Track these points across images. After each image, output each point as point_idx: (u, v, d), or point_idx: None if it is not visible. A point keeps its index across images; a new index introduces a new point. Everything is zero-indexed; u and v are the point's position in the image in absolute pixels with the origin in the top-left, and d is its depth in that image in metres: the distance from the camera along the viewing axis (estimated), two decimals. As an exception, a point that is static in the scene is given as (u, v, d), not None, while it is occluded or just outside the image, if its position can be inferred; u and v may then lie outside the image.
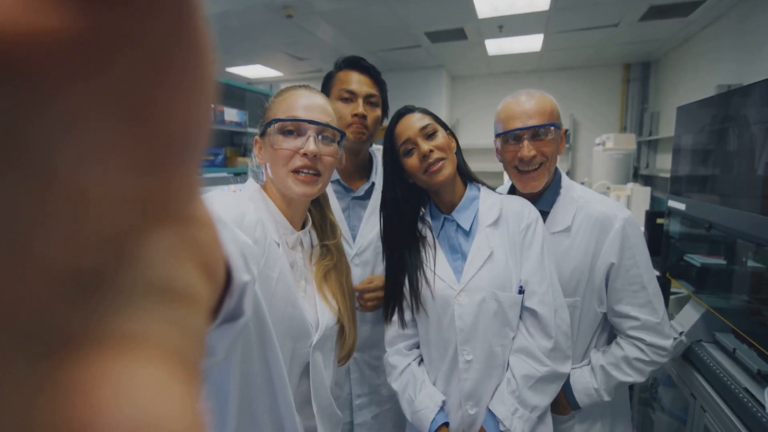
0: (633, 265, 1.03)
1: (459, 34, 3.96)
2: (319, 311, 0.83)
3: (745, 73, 2.95)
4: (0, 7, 0.07)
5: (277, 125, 0.77)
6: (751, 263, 1.65)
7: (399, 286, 1.04)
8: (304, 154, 0.76)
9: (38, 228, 0.09)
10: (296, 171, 0.77)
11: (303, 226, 0.87)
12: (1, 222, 0.08)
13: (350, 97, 1.16)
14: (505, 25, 3.68)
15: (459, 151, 1.04)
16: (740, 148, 1.46)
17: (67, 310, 0.09)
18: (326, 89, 1.21)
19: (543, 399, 0.94)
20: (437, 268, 1.00)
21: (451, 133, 1.03)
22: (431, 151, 0.95)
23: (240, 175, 2.52)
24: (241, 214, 0.68)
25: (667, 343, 1.04)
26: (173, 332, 0.11)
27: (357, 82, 1.17)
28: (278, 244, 0.78)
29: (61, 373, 0.09)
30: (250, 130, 2.55)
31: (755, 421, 1.11)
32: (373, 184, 1.24)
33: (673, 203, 1.81)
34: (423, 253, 1.03)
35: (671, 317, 1.67)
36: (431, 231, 1.05)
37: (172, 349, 0.11)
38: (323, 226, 0.91)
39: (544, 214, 1.09)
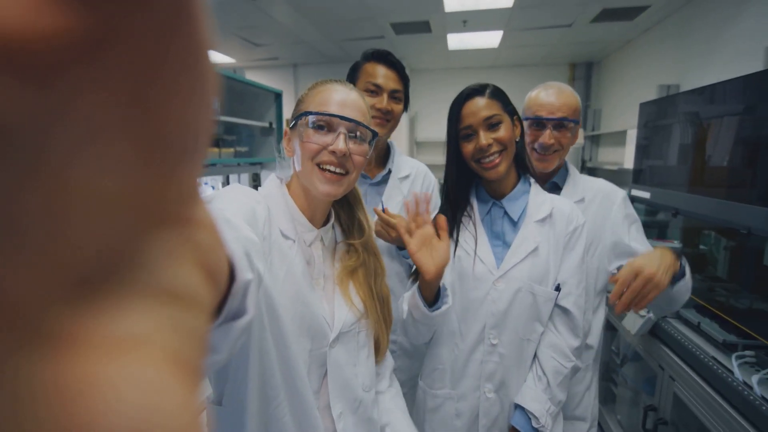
0: (635, 220, 1.27)
1: (424, 27, 3.99)
2: (337, 309, 0.80)
3: (683, 75, 3.24)
4: (11, 8, 0.07)
5: (308, 118, 0.75)
6: (704, 246, 1.83)
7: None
8: (333, 152, 0.74)
9: (39, 226, 0.09)
10: (322, 166, 0.75)
11: (326, 222, 0.84)
12: (2, 219, 0.08)
13: (376, 90, 1.18)
14: (469, 20, 3.77)
15: (522, 140, 1.03)
16: (697, 141, 1.61)
17: (66, 310, 0.09)
18: (352, 80, 1.22)
19: (565, 393, 0.99)
20: (479, 250, 1.01)
21: (518, 118, 1.01)
22: (490, 145, 0.94)
23: (209, 167, 2.35)
24: (252, 209, 0.68)
25: None
26: (173, 334, 0.11)
27: (384, 76, 1.18)
28: (294, 241, 0.76)
29: (58, 373, 0.09)
30: (222, 118, 2.38)
31: (725, 384, 1.24)
32: (389, 171, 1.28)
33: (637, 192, 1.97)
34: (465, 233, 1.03)
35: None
36: (476, 213, 1.05)
37: (171, 351, 0.11)
38: (350, 225, 0.88)
39: (558, 188, 1.26)
